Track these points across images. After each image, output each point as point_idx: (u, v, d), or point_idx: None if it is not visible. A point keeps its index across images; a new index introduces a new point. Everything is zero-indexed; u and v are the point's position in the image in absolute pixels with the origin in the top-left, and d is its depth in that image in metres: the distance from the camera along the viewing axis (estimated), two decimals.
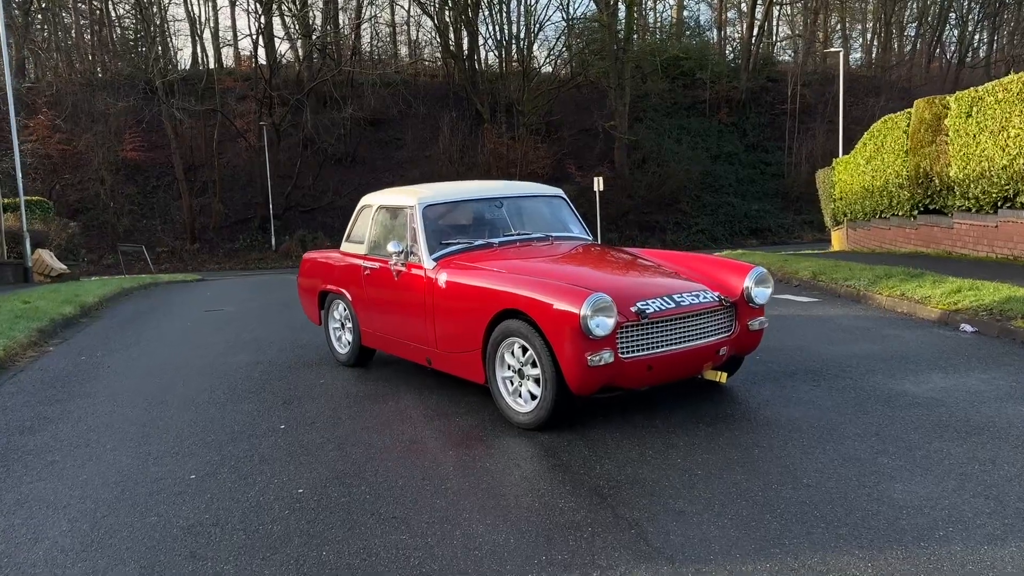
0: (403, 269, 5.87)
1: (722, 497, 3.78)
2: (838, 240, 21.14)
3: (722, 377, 5.18)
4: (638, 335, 4.76)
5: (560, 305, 4.61)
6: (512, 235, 6.05)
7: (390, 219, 6.27)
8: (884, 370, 6.01)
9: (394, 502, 3.93)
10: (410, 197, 6.05)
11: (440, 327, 5.55)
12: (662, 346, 4.84)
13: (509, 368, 5.04)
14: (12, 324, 8.69)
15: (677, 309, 4.86)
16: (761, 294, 5.27)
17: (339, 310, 6.92)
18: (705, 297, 5.03)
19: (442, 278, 5.50)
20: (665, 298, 4.89)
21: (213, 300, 13.24)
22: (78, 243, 24.25)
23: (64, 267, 20.02)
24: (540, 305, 4.73)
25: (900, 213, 15.69)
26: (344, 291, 6.68)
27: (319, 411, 5.54)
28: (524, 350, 4.89)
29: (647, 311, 4.74)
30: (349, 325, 6.76)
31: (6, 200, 22.52)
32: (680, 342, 4.90)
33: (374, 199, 6.64)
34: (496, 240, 5.92)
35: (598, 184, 33.26)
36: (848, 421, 4.84)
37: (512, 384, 5.05)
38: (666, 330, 4.85)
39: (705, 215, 42.08)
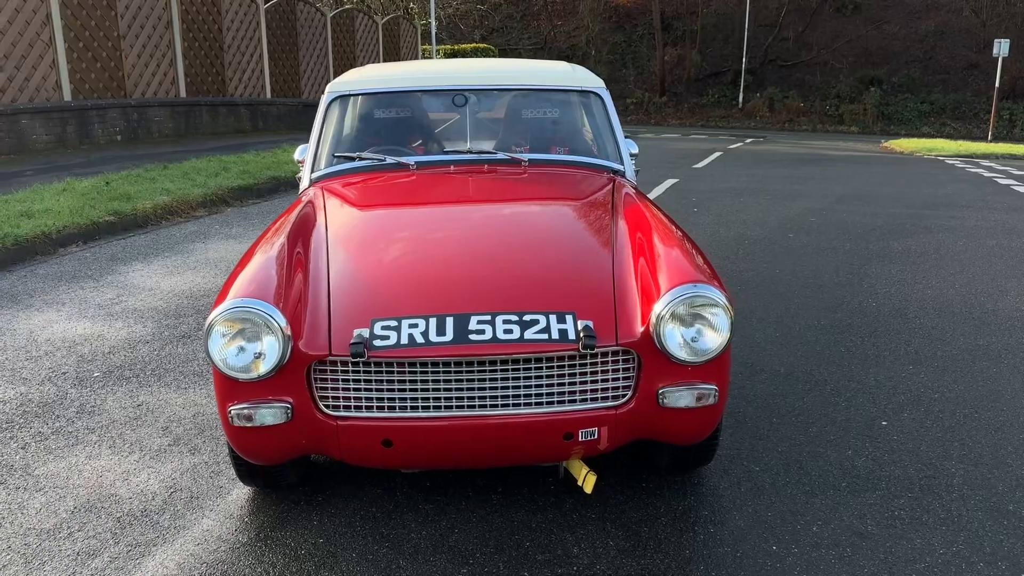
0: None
1: None
2: None
3: (588, 482, 2.67)
4: (364, 383, 2.52)
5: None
6: (459, 152, 3.80)
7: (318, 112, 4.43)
8: None
9: None
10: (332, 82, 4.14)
11: None
12: (420, 408, 2.53)
13: None
14: (212, 177, 8.73)
15: (450, 347, 2.45)
16: (693, 340, 2.49)
17: None
18: (548, 328, 2.49)
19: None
20: (443, 319, 2.50)
21: None
22: None
23: None
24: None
25: None
26: None
27: (166, 362, 4.25)
28: None
29: (376, 344, 2.46)
30: None
31: (454, 47, 23.86)
32: (466, 405, 2.52)
33: None
34: (413, 160, 3.75)
35: None
36: None
37: None
38: (434, 380, 2.51)
39: None
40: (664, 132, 25.89)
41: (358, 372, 2.50)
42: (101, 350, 4.40)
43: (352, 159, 3.79)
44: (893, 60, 37.63)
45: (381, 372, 2.49)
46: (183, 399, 3.77)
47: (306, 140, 3.98)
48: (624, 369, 2.55)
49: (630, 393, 2.55)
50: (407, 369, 2.48)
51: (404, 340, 2.46)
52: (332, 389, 2.52)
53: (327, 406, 2.53)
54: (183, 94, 14.77)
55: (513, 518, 2.78)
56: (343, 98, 3.97)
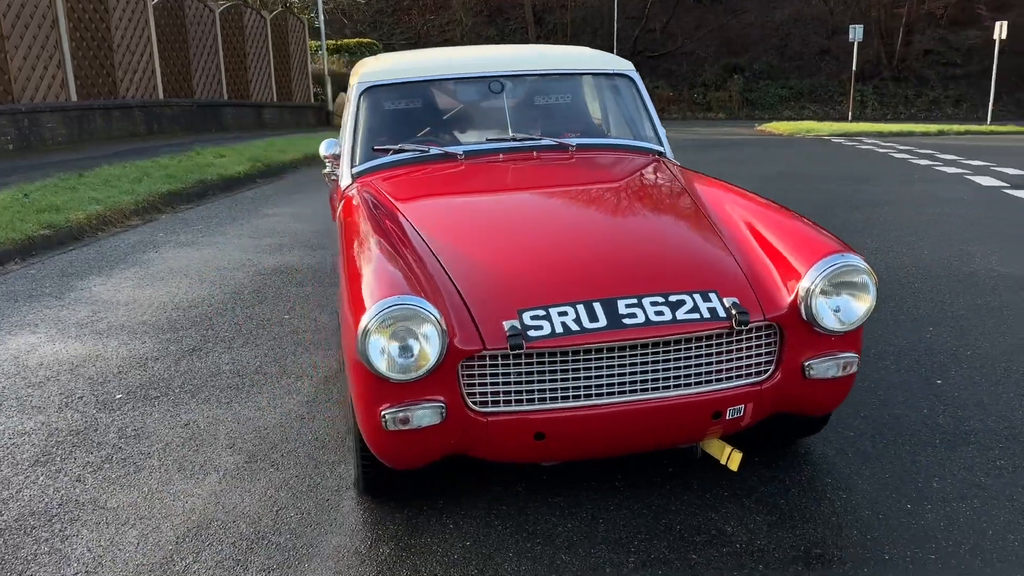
0: (337, 181, 3.92)
1: None
2: None
3: (733, 460, 2.67)
4: (513, 375, 2.43)
5: (352, 302, 2.47)
6: (503, 139, 3.71)
7: (349, 104, 4.26)
8: None
9: None
10: (359, 71, 3.97)
11: (342, 278, 3.62)
12: (572, 398, 2.46)
13: None
14: (135, 183, 8.21)
15: (606, 332, 2.40)
16: (845, 310, 2.53)
17: None
18: (697, 308, 2.47)
19: (340, 208, 3.50)
20: (591, 305, 2.44)
21: None
22: None
23: None
24: (344, 292, 2.64)
25: None
26: (330, 198, 4.90)
27: (190, 377, 3.98)
28: None
29: (531, 334, 2.37)
30: None
31: (337, 42, 23.30)
32: (618, 392, 2.47)
33: (354, 70, 4.61)
34: (461, 149, 3.65)
35: (1000, 31, 26.45)
36: None
37: None
38: (585, 368, 2.44)
39: None
40: None
41: (508, 365, 2.41)
42: (109, 371, 4.06)
43: (394, 151, 3.65)
44: (752, 48, 39.42)
45: (532, 363, 2.41)
46: (232, 415, 3.53)
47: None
48: (767, 344, 2.56)
49: (772, 368, 2.57)
50: (558, 358, 2.41)
51: (559, 329, 2.39)
52: (480, 384, 2.42)
53: (475, 402, 2.43)
54: (74, 97, 13.76)
55: (650, 503, 2.75)
56: (375, 88, 3.81)
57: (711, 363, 2.51)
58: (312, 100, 20.08)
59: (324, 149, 3.83)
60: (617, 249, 2.76)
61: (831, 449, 3.09)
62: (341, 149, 3.77)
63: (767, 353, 2.57)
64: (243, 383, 3.87)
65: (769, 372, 2.57)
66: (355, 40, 25.47)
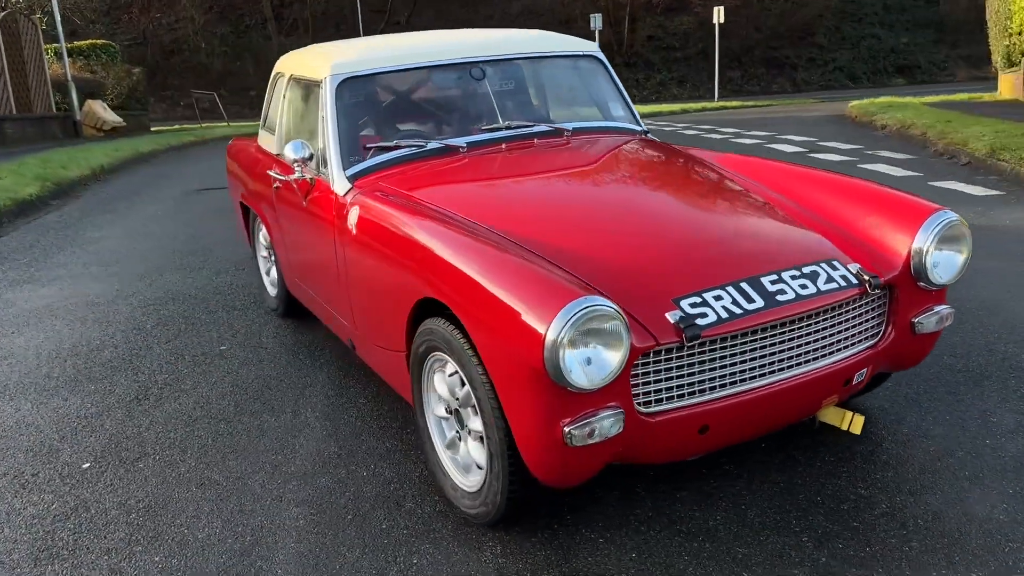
0: (312, 188, 3.48)
1: None
2: (1009, 86, 16.97)
3: (856, 424, 2.71)
4: (675, 368, 2.29)
5: (509, 311, 2.19)
6: (497, 128, 3.49)
7: (301, 100, 3.82)
8: None
9: None
10: (323, 63, 3.55)
11: (355, 297, 3.23)
12: (732, 384, 2.37)
13: (442, 402, 2.71)
14: None
15: (767, 312, 2.33)
16: (944, 265, 2.65)
17: (263, 233, 4.63)
18: (832, 277, 2.48)
19: (353, 215, 3.10)
20: (740, 286, 2.37)
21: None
22: (143, 91, 22.51)
23: (118, 119, 18.41)
24: (474, 304, 2.33)
25: None
26: (259, 208, 4.38)
27: (160, 429, 3.39)
28: (463, 380, 2.52)
29: (699, 323, 2.25)
30: (275, 257, 4.48)
31: (70, 44, 20.90)
32: (771, 371, 2.41)
33: (288, 64, 4.16)
34: (463, 141, 3.39)
35: (718, 15, 29.21)
36: None
37: (448, 432, 2.73)
38: (741, 352, 2.36)
39: (844, 49, 37.20)
40: None
41: (671, 359, 2.28)
42: (49, 438, 3.37)
43: (390, 148, 3.32)
44: None
45: (694, 353, 2.30)
46: (250, 465, 3.05)
47: None
48: (879, 305, 2.63)
49: (884, 328, 2.65)
50: (718, 344, 2.32)
51: (723, 314, 2.30)
52: (644, 384, 2.28)
53: (638, 403, 2.28)
54: None
55: (776, 481, 2.74)
56: (352, 80, 3.44)
57: (842, 330, 2.53)
58: (54, 109, 17.83)
59: (293, 152, 3.36)
60: (728, 228, 2.71)
61: (883, 401, 3.25)
62: (327, 151, 3.35)
63: (879, 315, 2.64)
64: (233, 429, 3.36)
65: (882, 333, 2.64)
66: (88, 42, 22.99)
